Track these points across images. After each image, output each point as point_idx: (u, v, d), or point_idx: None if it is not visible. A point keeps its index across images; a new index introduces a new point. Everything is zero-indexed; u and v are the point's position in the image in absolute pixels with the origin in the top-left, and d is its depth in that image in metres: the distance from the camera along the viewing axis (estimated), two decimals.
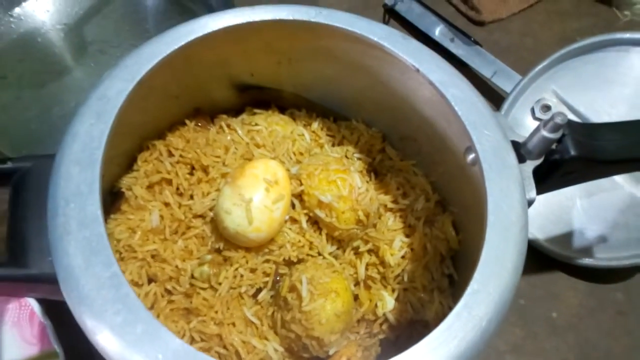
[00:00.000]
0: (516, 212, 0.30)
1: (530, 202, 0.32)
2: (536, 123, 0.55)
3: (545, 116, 0.56)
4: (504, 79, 0.61)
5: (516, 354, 0.52)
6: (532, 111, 0.57)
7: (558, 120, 0.32)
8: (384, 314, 0.38)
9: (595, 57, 0.56)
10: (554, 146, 0.34)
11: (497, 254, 0.29)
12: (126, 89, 0.32)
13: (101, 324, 0.25)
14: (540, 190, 0.33)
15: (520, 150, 0.34)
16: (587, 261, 0.53)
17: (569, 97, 0.56)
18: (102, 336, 0.25)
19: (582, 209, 0.54)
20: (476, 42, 0.64)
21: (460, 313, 0.27)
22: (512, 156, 0.32)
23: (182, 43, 0.34)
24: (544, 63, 0.57)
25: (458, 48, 0.64)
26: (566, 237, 0.54)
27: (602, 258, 0.53)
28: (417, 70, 0.35)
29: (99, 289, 0.26)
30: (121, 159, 0.39)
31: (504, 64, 0.62)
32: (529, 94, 0.57)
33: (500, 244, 0.29)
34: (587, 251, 0.53)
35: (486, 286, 0.28)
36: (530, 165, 0.34)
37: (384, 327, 0.38)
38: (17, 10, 0.62)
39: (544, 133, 0.32)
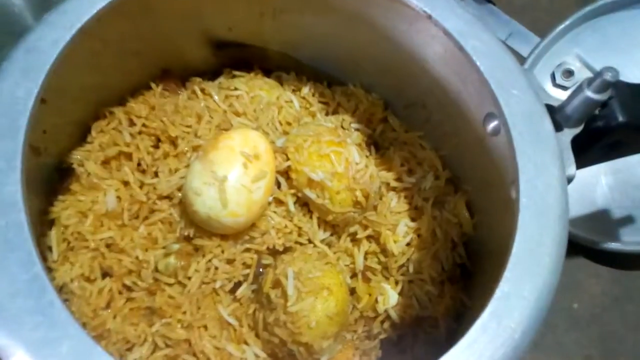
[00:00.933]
0: (555, 193, 0.27)
1: (569, 180, 0.29)
2: (557, 90, 0.53)
3: (568, 82, 0.53)
4: (520, 41, 0.58)
5: (533, 349, 0.49)
6: (553, 77, 0.53)
7: (608, 77, 0.28)
8: (386, 311, 0.36)
9: (623, 15, 0.53)
10: (597, 111, 0.30)
11: (533, 246, 0.25)
12: (63, 38, 0.28)
13: (15, 341, 0.21)
14: (579, 164, 0.30)
15: (556, 117, 0.31)
16: (612, 245, 0.50)
17: (595, 61, 0.53)
18: (15, 359, 0.21)
19: (608, 187, 0.52)
20: (489, 1, 0.60)
21: (487, 324, 0.23)
22: (548, 123, 0.29)
23: None
24: (566, 23, 0.54)
25: (469, 7, 0.59)
26: (589, 219, 0.51)
27: (629, 242, 0.50)
28: (429, 18, 0.31)
29: (13, 296, 0.22)
30: (71, 128, 0.36)
31: (519, 24, 0.59)
32: (549, 58, 0.54)
33: (535, 233, 0.26)
34: (613, 234, 0.50)
35: (520, 289, 0.24)
36: (569, 134, 0.31)
37: (386, 325, 0.36)
38: None
39: (589, 94, 0.29)
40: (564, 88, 0.52)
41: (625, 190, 0.51)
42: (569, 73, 0.53)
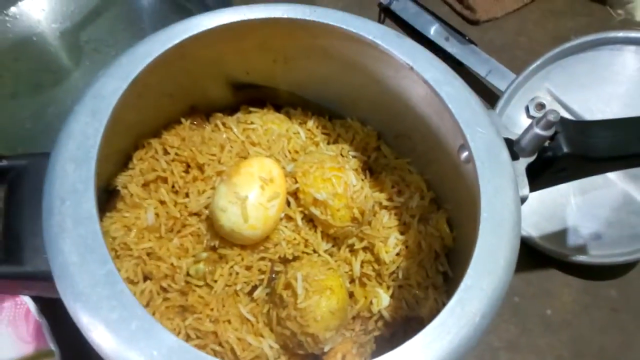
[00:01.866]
0: (509, 209, 0.30)
1: (523, 199, 0.32)
2: (530, 121, 0.55)
3: (540, 114, 0.54)
4: (498, 77, 0.61)
5: (511, 350, 0.52)
6: (527, 109, 0.57)
7: (551, 117, 0.32)
8: (379, 311, 0.38)
9: (589, 55, 0.56)
10: (546, 143, 0.34)
11: (490, 250, 0.29)
12: (121, 87, 0.32)
13: (96, 320, 0.25)
14: (533, 187, 0.34)
15: (514, 148, 0.34)
16: (581, 258, 0.53)
17: (563, 95, 0.57)
18: (97, 333, 0.25)
19: (576, 207, 0.54)
20: (471, 41, 0.64)
21: (453, 309, 0.27)
22: (505, 153, 0.32)
23: (177, 41, 0.34)
24: (538, 62, 0.57)
25: (453, 47, 0.64)
26: (560, 235, 0.54)
27: (596, 255, 0.53)
28: (411, 69, 0.35)
29: (94, 286, 0.26)
30: (117, 157, 0.39)
31: (498, 62, 0.62)
32: (523, 93, 0.57)
33: (493, 240, 0.29)
34: (581, 248, 0.53)
35: (479, 282, 0.28)
36: (524, 162, 0.34)
37: (379, 324, 0.38)
38: (12, 9, 0.61)
39: (537, 130, 0.33)
40: (533, 120, 0.56)
41: (592, 210, 0.54)
42: (541, 106, 0.56)
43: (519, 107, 0.57)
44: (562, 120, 0.33)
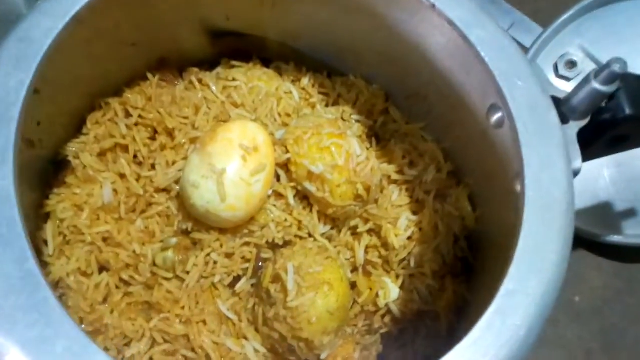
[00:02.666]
0: (561, 187, 0.26)
1: (575, 173, 0.28)
2: (560, 81, 0.53)
3: (571, 73, 0.53)
4: (522, 31, 0.57)
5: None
6: (555, 68, 0.53)
7: (616, 68, 0.27)
8: (387, 305, 0.36)
9: (627, 5, 0.53)
10: (604, 103, 0.30)
11: (538, 242, 0.25)
12: (55, 27, 0.27)
13: (8, 340, 0.21)
14: (585, 157, 0.30)
15: (562, 109, 0.30)
16: (615, 239, 0.49)
17: (598, 52, 0.52)
18: (10, 358, 0.20)
19: (610, 180, 0.51)
20: None
21: (491, 322, 0.23)
22: (553, 114, 0.28)
23: None
24: (569, 13, 0.53)
25: None
26: (591, 212, 0.50)
27: (631, 235, 0.50)
28: (433, 7, 0.30)
29: (7, 294, 0.21)
30: (66, 119, 0.35)
31: (522, 14, 0.58)
32: (552, 49, 0.53)
33: (541, 228, 0.25)
34: (615, 227, 0.50)
35: (525, 285, 0.23)
36: (575, 127, 0.30)
37: (387, 319, 0.36)
38: None
39: (596, 85, 0.28)
40: (567, 79, 0.51)
41: (628, 183, 0.51)
42: (572, 64, 0.52)
43: (546, 66, 0.53)
44: (626, 74, 0.29)
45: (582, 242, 0.51)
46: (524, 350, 0.22)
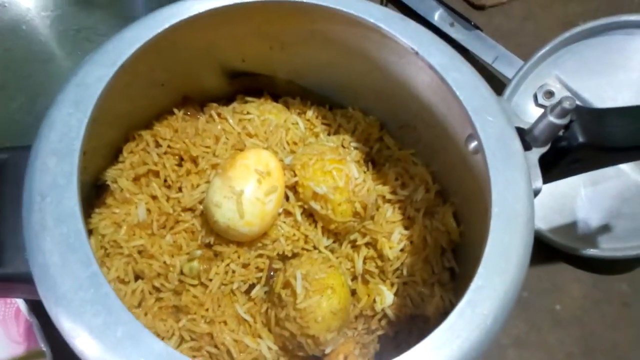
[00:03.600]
0: (522, 203, 0.29)
1: (536, 192, 0.31)
2: (539, 110, 0.54)
3: (549, 102, 0.55)
4: (505, 64, 0.59)
5: (519, 347, 0.51)
6: (535, 97, 0.55)
7: (566, 105, 0.30)
8: (383, 309, 0.37)
9: (599, 41, 0.55)
10: (561, 133, 0.32)
11: (502, 247, 0.28)
12: (106, 75, 0.30)
13: (79, 326, 0.24)
14: (547, 179, 0.32)
15: (526, 138, 0.33)
16: (591, 252, 0.52)
17: (573, 82, 0.55)
18: (80, 340, 0.24)
19: (587, 198, 0.53)
20: (476, 27, 0.61)
21: (463, 311, 0.26)
22: (517, 143, 0.31)
23: (166, 26, 0.32)
24: (547, 48, 0.55)
25: (458, 33, 0.61)
26: (570, 227, 0.52)
27: (606, 248, 0.52)
28: (416, 53, 0.33)
29: (76, 289, 0.25)
30: (106, 150, 0.38)
31: (505, 49, 0.60)
32: (532, 80, 0.56)
33: (505, 236, 0.28)
34: (592, 241, 0.52)
35: (491, 282, 0.26)
36: (536, 153, 0.32)
37: (383, 322, 0.38)
38: None
39: (551, 119, 0.31)
40: (545, 108, 0.54)
41: (603, 202, 0.52)
42: (550, 94, 0.54)
43: (527, 96, 0.56)
44: (577, 108, 0.32)
45: (562, 255, 0.53)
46: (491, 335, 0.25)
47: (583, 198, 0.53)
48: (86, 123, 0.29)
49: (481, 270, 0.27)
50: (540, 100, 0.55)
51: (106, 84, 0.30)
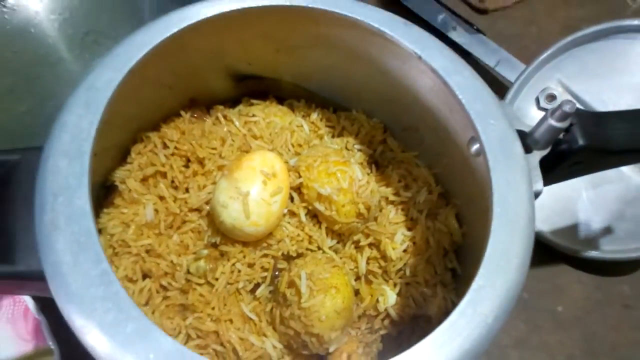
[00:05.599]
0: (523, 205, 0.29)
1: (537, 194, 0.31)
2: (541, 113, 0.55)
3: (550, 106, 0.55)
4: (507, 68, 0.60)
5: (520, 348, 0.51)
6: (537, 101, 0.56)
7: (566, 108, 0.31)
8: (386, 309, 0.37)
9: (602, 45, 0.55)
10: (561, 136, 0.33)
11: (503, 248, 0.28)
12: (116, 78, 0.31)
13: (90, 322, 0.24)
14: (547, 181, 0.32)
15: (527, 140, 0.33)
16: (592, 254, 0.52)
17: (575, 86, 0.55)
18: (91, 336, 0.24)
19: (588, 201, 0.53)
20: (479, 31, 0.62)
21: (464, 310, 0.26)
22: (518, 146, 0.31)
23: (175, 31, 0.33)
24: (549, 51, 0.55)
25: (460, 37, 0.62)
26: (571, 229, 0.53)
27: (608, 250, 0.52)
28: (419, 58, 0.33)
29: (87, 287, 0.25)
30: (114, 151, 0.38)
31: (507, 52, 0.61)
32: (534, 84, 0.56)
33: (506, 237, 0.28)
34: (593, 243, 0.52)
35: (492, 282, 0.27)
36: (537, 155, 0.33)
37: (386, 322, 0.38)
38: (10, 0, 0.60)
39: (552, 122, 0.32)
40: (547, 111, 0.55)
41: (604, 204, 0.53)
42: (552, 97, 0.55)
43: (529, 99, 0.56)
44: (578, 111, 0.32)
45: (564, 257, 0.53)
46: (491, 334, 0.26)
47: (585, 200, 0.53)
48: (97, 125, 0.29)
49: (482, 271, 0.27)
50: (542, 104, 0.55)
51: (116, 87, 0.30)
